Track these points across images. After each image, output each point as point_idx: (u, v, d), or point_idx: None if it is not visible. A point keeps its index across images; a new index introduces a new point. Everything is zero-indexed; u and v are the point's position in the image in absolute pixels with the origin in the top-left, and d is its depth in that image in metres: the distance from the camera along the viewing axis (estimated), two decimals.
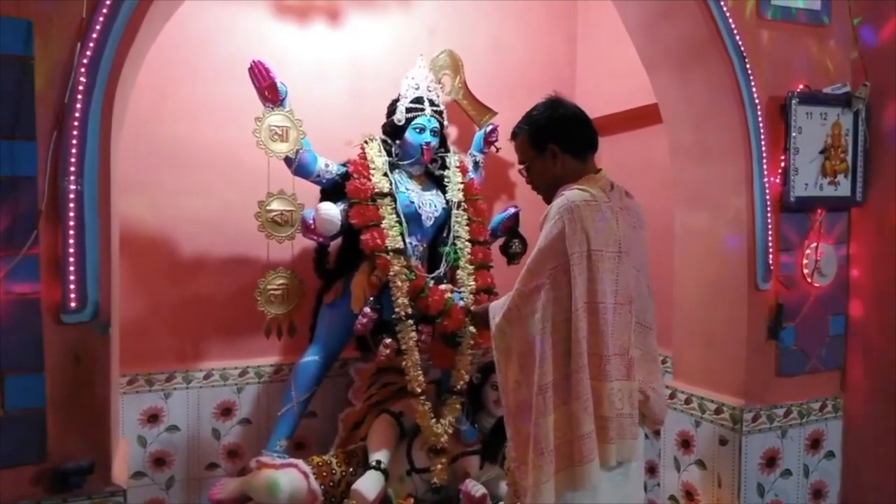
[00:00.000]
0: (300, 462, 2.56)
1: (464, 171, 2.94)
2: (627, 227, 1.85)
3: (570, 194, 1.79)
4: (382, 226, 2.63)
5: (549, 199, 1.90)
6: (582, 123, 1.93)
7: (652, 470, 3.11)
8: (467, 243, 2.81)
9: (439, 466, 2.64)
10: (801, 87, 2.49)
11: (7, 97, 1.68)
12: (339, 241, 2.79)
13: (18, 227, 1.70)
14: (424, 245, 2.82)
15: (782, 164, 2.47)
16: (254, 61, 2.45)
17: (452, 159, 2.92)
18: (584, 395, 1.71)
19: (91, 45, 1.75)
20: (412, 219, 2.73)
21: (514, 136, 1.98)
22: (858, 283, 2.61)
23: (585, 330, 1.74)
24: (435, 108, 2.82)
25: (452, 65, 3.11)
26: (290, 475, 2.50)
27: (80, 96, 1.74)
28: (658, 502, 2.92)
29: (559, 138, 1.89)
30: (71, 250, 1.74)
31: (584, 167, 1.89)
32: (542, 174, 1.93)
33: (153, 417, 2.82)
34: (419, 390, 2.63)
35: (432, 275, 2.75)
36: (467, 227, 2.84)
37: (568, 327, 1.72)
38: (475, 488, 2.56)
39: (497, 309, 1.86)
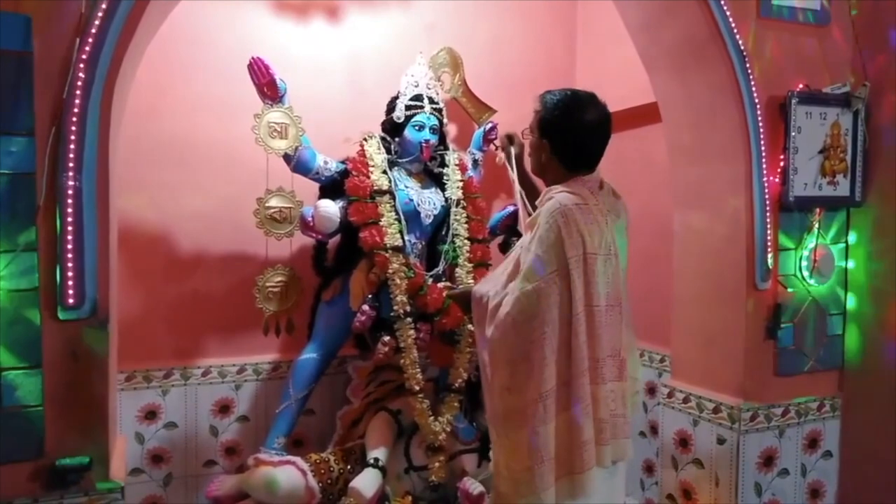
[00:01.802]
0: (298, 459, 2.56)
1: (463, 168, 2.93)
2: (614, 229, 1.84)
3: (561, 197, 1.78)
4: (381, 223, 2.63)
5: (532, 170, 1.98)
6: (588, 140, 1.86)
7: (650, 469, 3.12)
8: (466, 241, 2.81)
9: (437, 464, 2.64)
10: (800, 86, 2.49)
11: (6, 93, 1.68)
12: (337, 238, 2.79)
13: (17, 223, 1.70)
14: (423, 243, 2.82)
15: (781, 164, 2.47)
16: (253, 58, 2.45)
17: (451, 157, 2.92)
18: (586, 400, 1.72)
19: (90, 40, 1.74)
20: (411, 216, 2.73)
21: (538, 99, 1.92)
22: (857, 282, 2.61)
23: (586, 333, 1.74)
24: (434, 106, 2.82)
25: (452, 62, 3.10)
26: (288, 472, 2.50)
27: (78, 92, 1.73)
28: (656, 501, 2.93)
29: (554, 141, 1.87)
30: (69, 246, 1.73)
31: (571, 175, 1.86)
32: (533, 151, 1.94)
33: (151, 414, 2.82)
34: (417, 388, 2.63)
35: (431, 273, 2.75)
36: (466, 225, 2.84)
37: (568, 332, 1.72)
38: (473, 486, 2.56)
39: (483, 308, 1.82)
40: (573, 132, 1.85)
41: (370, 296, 2.63)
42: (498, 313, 1.76)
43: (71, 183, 1.73)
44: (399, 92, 2.83)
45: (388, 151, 2.80)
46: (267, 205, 2.56)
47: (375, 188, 2.67)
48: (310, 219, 2.60)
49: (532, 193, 2.16)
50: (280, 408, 2.72)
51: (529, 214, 2.00)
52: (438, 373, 2.85)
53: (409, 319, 2.61)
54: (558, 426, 1.71)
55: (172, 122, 2.83)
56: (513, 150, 2.28)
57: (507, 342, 1.75)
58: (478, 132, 3.12)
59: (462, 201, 2.86)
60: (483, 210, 2.94)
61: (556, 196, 1.79)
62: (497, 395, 1.78)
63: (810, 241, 2.54)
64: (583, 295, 1.73)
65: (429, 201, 2.79)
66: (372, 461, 2.56)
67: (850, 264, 2.62)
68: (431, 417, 2.65)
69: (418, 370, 2.64)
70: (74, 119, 1.73)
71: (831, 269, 2.57)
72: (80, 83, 1.73)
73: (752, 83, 2.40)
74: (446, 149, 2.94)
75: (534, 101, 1.93)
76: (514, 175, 2.24)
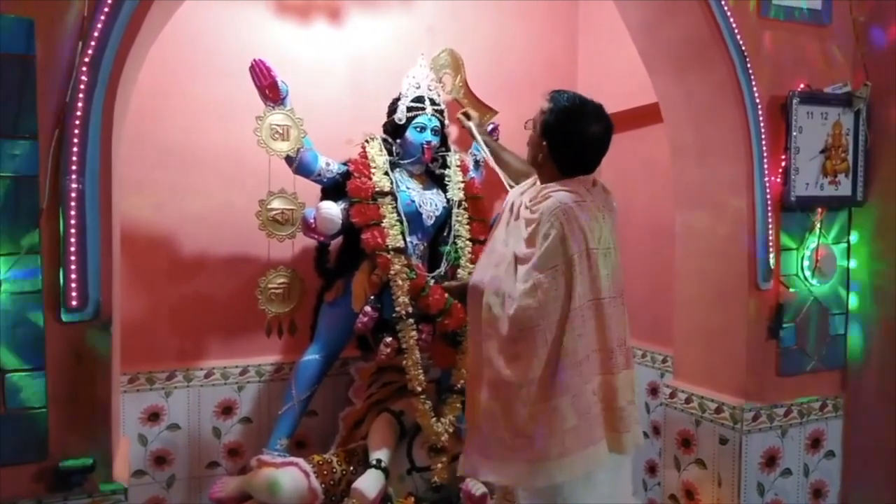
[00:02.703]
0: (301, 461, 2.57)
1: (464, 170, 2.94)
2: (610, 223, 1.92)
3: (560, 196, 1.83)
4: (383, 225, 2.63)
5: (528, 160, 2.06)
6: (586, 151, 1.92)
7: (652, 469, 3.12)
8: (468, 242, 2.81)
9: (440, 465, 2.64)
10: (801, 86, 2.49)
11: (9, 96, 1.68)
12: (339, 240, 2.79)
13: (20, 226, 1.70)
14: (425, 244, 2.82)
15: (783, 164, 2.47)
16: (254, 60, 2.45)
17: (453, 158, 2.92)
18: (572, 392, 1.78)
19: (93, 43, 1.75)
20: (413, 218, 2.73)
21: (547, 98, 1.96)
22: (859, 282, 2.61)
23: (584, 328, 1.80)
24: (436, 107, 2.82)
25: (453, 64, 3.11)
26: (291, 474, 2.50)
27: (81, 95, 1.74)
28: (658, 502, 2.93)
29: (553, 146, 1.91)
30: (72, 249, 1.74)
31: (563, 177, 1.91)
32: (531, 146, 2.00)
33: (154, 416, 2.83)
34: (420, 389, 2.63)
35: (433, 274, 2.75)
36: (468, 226, 2.84)
37: (563, 326, 1.77)
38: (475, 487, 2.56)
39: (479, 295, 1.89)
40: (573, 142, 1.91)
41: (372, 297, 2.64)
42: (497, 303, 1.83)
43: (74, 185, 1.74)
44: (400, 93, 2.83)
45: (390, 153, 2.80)
46: (269, 206, 2.57)
47: (377, 190, 2.67)
48: (312, 220, 2.60)
49: (498, 153, 2.64)
50: (283, 409, 2.72)
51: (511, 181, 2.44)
52: (441, 374, 2.85)
53: (411, 320, 2.61)
54: (536, 413, 1.77)
55: (175, 124, 2.83)
56: (472, 125, 2.74)
57: (507, 330, 1.80)
58: None
59: (464, 202, 2.86)
60: (484, 211, 2.94)
61: (555, 195, 1.83)
62: (485, 365, 1.85)
63: (812, 241, 2.54)
64: (588, 289, 1.81)
65: (430, 202, 2.79)
66: (374, 462, 2.56)
67: (852, 264, 2.62)
68: (434, 418, 2.65)
69: (420, 371, 2.64)
70: (77, 122, 1.74)
71: (833, 268, 2.57)
72: (82, 86, 1.74)
73: (753, 83, 2.40)
74: (448, 150, 2.94)
75: (542, 97, 1.98)
76: (481, 144, 2.70)
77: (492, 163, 2.64)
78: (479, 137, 2.73)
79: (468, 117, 2.78)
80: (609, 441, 1.84)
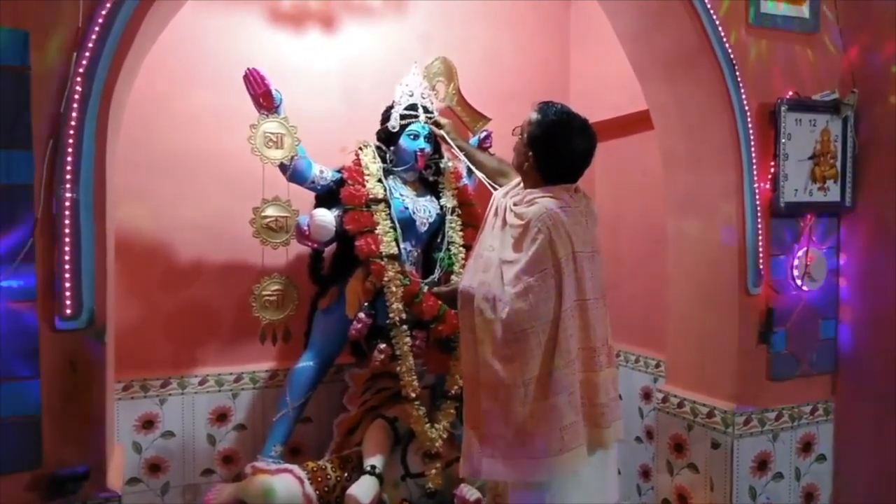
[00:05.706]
0: (295, 467, 2.57)
1: (457, 177, 2.96)
2: (593, 228, 1.99)
3: (546, 202, 1.89)
4: (377, 232, 2.64)
5: (513, 165, 2.12)
6: (570, 165, 1.98)
7: (646, 474, 3.13)
8: (461, 249, 2.83)
9: (434, 471, 2.65)
10: (790, 94, 2.51)
11: (3, 107, 1.69)
12: (333, 246, 2.80)
13: (14, 235, 1.71)
14: (419, 251, 2.84)
15: (772, 171, 2.50)
16: (248, 69, 2.47)
17: (446, 165, 2.94)
18: (568, 389, 1.83)
19: (87, 54, 1.76)
20: (406, 224, 2.75)
21: (535, 109, 2.01)
22: (848, 287, 2.63)
23: (574, 327, 1.86)
24: (429, 115, 2.84)
25: (446, 72, 3.13)
26: (286, 481, 2.51)
27: (76, 105, 1.75)
28: None
29: (538, 157, 1.96)
30: (67, 257, 1.75)
31: (547, 185, 1.97)
32: (517, 154, 2.06)
33: (148, 423, 2.83)
34: (413, 395, 2.64)
35: (427, 280, 2.76)
36: (461, 233, 2.86)
37: (556, 327, 1.83)
38: (469, 493, 2.57)
39: (470, 300, 1.93)
40: (558, 156, 1.97)
41: (366, 304, 2.65)
42: (488, 307, 1.87)
43: (68, 195, 1.74)
44: (394, 101, 2.85)
45: (384, 160, 2.82)
46: (263, 214, 2.58)
47: (371, 197, 2.68)
48: (305, 228, 2.61)
49: (473, 155, 2.73)
50: (277, 416, 2.72)
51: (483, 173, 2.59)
52: (435, 380, 2.86)
53: (404, 327, 2.62)
54: (536, 410, 1.82)
55: (169, 132, 2.84)
56: (443, 132, 2.79)
57: (501, 333, 1.84)
58: (473, 141, 3.13)
59: (457, 209, 2.88)
60: (478, 217, 2.95)
61: (541, 201, 1.89)
62: (482, 365, 1.89)
63: (802, 247, 2.56)
64: (574, 291, 1.86)
65: (424, 209, 2.81)
66: (369, 468, 2.57)
67: (842, 269, 2.65)
68: (428, 424, 2.65)
69: (414, 377, 2.65)
70: (72, 132, 1.75)
71: (823, 273, 2.59)
72: (77, 97, 1.75)
73: (742, 91, 2.43)
74: (441, 157, 2.96)
75: (531, 107, 2.02)
76: (455, 148, 2.76)
77: (472, 167, 2.70)
78: (451, 142, 2.78)
79: (439, 126, 2.80)
80: (591, 436, 1.89)
